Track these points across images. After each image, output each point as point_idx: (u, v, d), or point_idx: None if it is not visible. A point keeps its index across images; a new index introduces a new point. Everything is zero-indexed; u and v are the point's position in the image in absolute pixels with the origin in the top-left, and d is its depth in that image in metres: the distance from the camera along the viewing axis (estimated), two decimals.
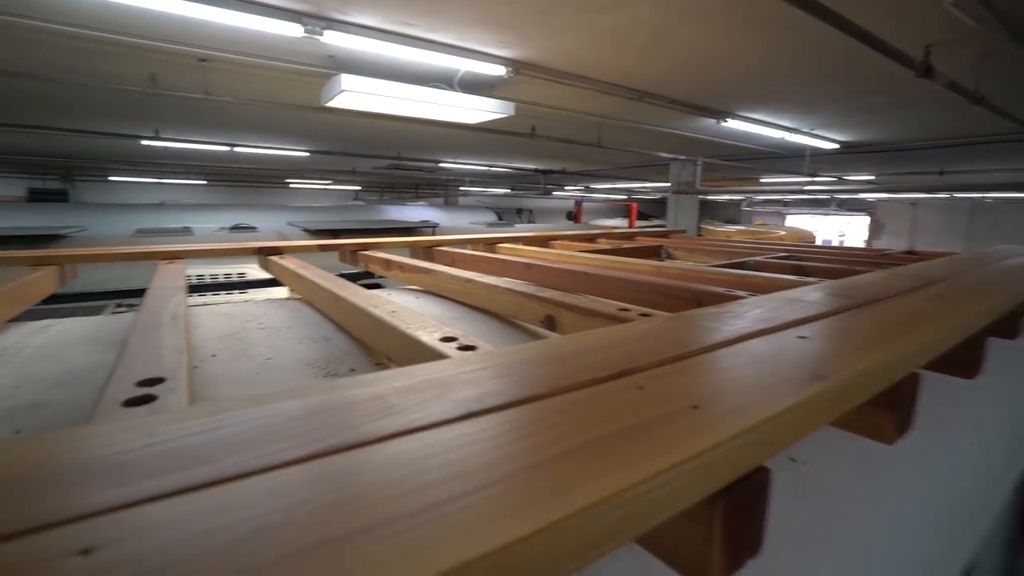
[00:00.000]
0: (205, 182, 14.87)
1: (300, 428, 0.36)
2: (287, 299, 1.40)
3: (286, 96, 5.20)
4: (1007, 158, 7.97)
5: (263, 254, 1.79)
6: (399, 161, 10.19)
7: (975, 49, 3.50)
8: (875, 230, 17.76)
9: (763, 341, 0.62)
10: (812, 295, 0.90)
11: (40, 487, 0.29)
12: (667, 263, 1.86)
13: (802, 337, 0.64)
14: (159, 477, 0.30)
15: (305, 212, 7.47)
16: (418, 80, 4.02)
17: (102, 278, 3.90)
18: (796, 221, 19.61)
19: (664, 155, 8.82)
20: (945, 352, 0.75)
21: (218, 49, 3.76)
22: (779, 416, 0.41)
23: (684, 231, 3.27)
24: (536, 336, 1.13)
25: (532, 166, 12.15)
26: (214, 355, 0.94)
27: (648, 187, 15.00)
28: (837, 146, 7.42)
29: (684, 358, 0.54)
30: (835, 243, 16.69)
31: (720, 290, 1.07)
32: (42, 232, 4.67)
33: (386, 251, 1.87)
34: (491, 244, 2.22)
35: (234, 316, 1.17)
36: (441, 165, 10.63)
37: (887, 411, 0.66)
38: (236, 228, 6.02)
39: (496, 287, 1.16)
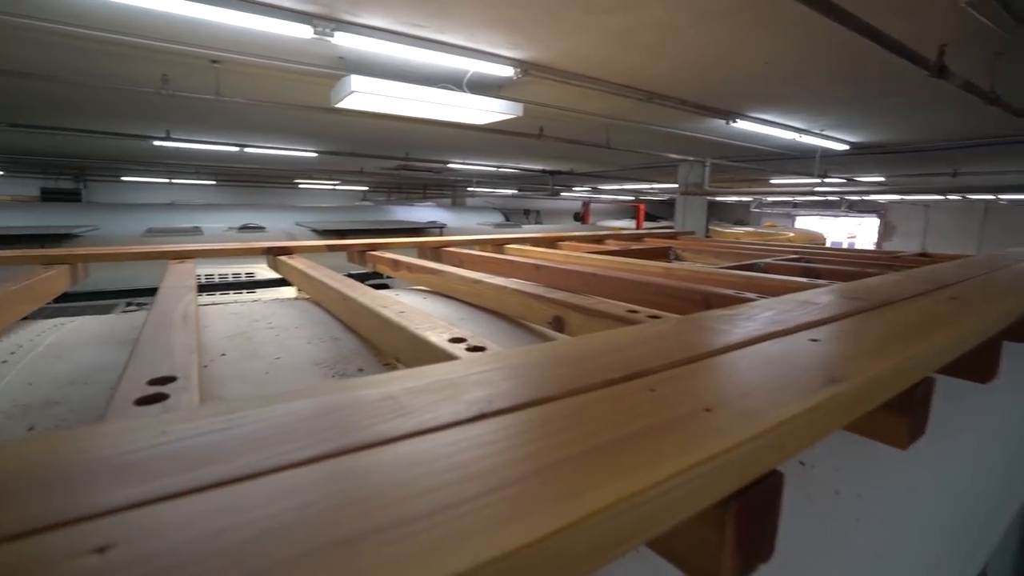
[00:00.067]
0: (214, 182, 14.97)
1: (312, 428, 0.36)
2: (295, 299, 1.41)
3: (295, 97, 5.23)
4: (1022, 159, 7.88)
5: (272, 254, 1.80)
6: (407, 162, 10.22)
7: (990, 48, 3.46)
8: (885, 232, 17.62)
9: (775, 344, 0.61)
10: (823, 297, 0.89)
11: (55, 484, 0.29)
12: (675, 265, 1.86)
13: (814, 340, 0.63)
14: (172, 476, 0.30)
15: (313, 212, 7.51)
16: (427, 81, 4.03)
17: (110, 277, 3.94)
18: (806, 223, 19.48)
19: (672, 156, 8.79)
20: (959, 356, 0.74)
21: (229, 51, 3.78)
22: (793, 420, 0.41)
23: (692, 232, 3.25)
24: (544, 337, 1.12)
25: (540, 167, 12.15)
26: (223, 354, 0.94)
27: (656, 188, 14.96)
28: (848, 147, 7.36)
29: (695, 360, 0.54)
30: (845, 245, 16.56)
31: (730, 292, 1.07)
32: (55, 231, 4.73)
33: (394, 251, 1.88)
34: (499, 245, 2.22)
35: (243, 316, 1.18)
36: (449, 166, 10.65)
37: (901, 415, 0.65)
38: (245, 228, 6.06)
39: (504, 288, 1.16)
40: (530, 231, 7.03)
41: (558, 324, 1.00)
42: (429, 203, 13.94)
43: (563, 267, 1.45)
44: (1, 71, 4.09)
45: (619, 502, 0.29)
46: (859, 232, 18.83)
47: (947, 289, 1.00)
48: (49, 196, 12.43)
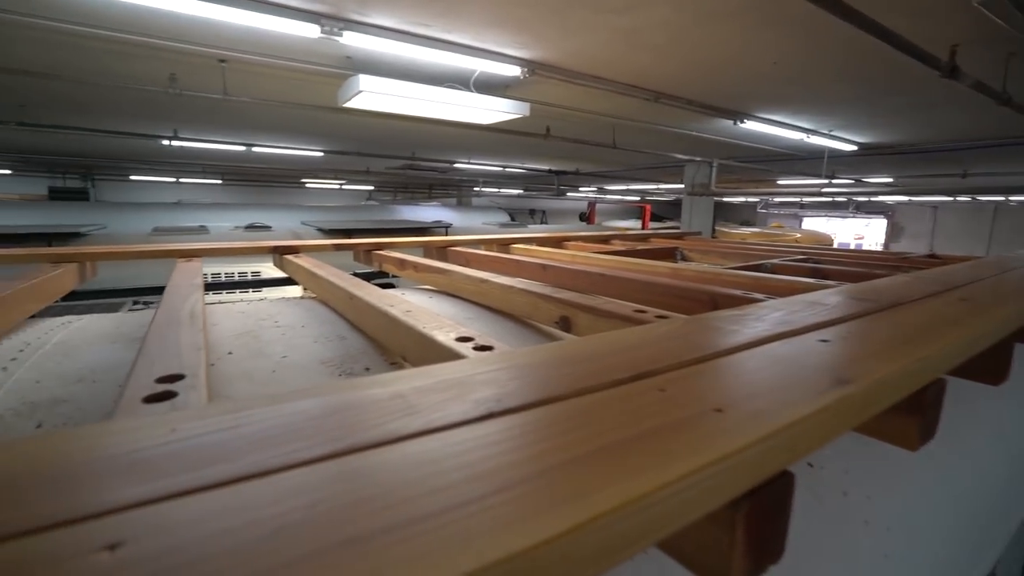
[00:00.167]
0: (220, 181, 15.04)
1: (321, 426, 0.36)
2: (301, 298, 1.41)
3: (302, 96, 5.24)
4: None
5: (279, 253, 1.80)
6: (413, 161, 10.23)
7: (1002, 48, 3.44)
8: (893, 233, 17.52)
9: (784, 344, 0.61)
10: (832, 298, 0.88)
11: (65, 482, 0.29)
12: (682, 265, 1.85)
13: (824, 341, 0.63)
14: (182, 474, 0.30)
15: (319, 212, 7.53)
16: (433, 81, 4.03)
17: (115, 276, 3.96)
18: (813, 223, 19.41)
19: (679, 156, 8.76)
20: (970, 358, 0.73)
21: (237, 50, 3.80)
22: (804, 421, 0.41)
23: (699, 233, 3.24)
24: (551, 337, 1.12)
25: (546, 167, 12.14)
26: (230, 353, 0.95)
27: (662, 188, 14.93)
28: (856, 148, 7.32)
29: (704, 360, 0.54)
30: (852, 246, 16.48)
31: (737, 292, 1.06)
32: (62, 230, 4.76)
33: (400, 251, 1.88)
34: (505, 245, 2.22)
35: (250, 314, 1.18)
36: (455, 166, 10.66)
37: (911, 417, 0.65)
38: (251, 227, 6.08)
39: (511, 287, 1.16)
40: (536, 231, 7.03)
41: (565, 324, 1.00)
42: (435, 203, 13.96)
43: (570, 267, 1.45)
44: (9, 70, 4.13)
45: (628, 503, 0.29)
46: (867, 233, 18.73)
47: (957, 291, 0.99)
48: (57, 195, 12.51)
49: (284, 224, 6.38)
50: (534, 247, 2.17)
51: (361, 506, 0.27)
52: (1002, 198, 12.65)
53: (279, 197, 16.87)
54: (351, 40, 3.23)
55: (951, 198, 13.46)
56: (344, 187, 16.85)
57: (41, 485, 0.29)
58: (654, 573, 0.55)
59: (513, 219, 9.36)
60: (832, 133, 6.69)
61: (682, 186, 10.23)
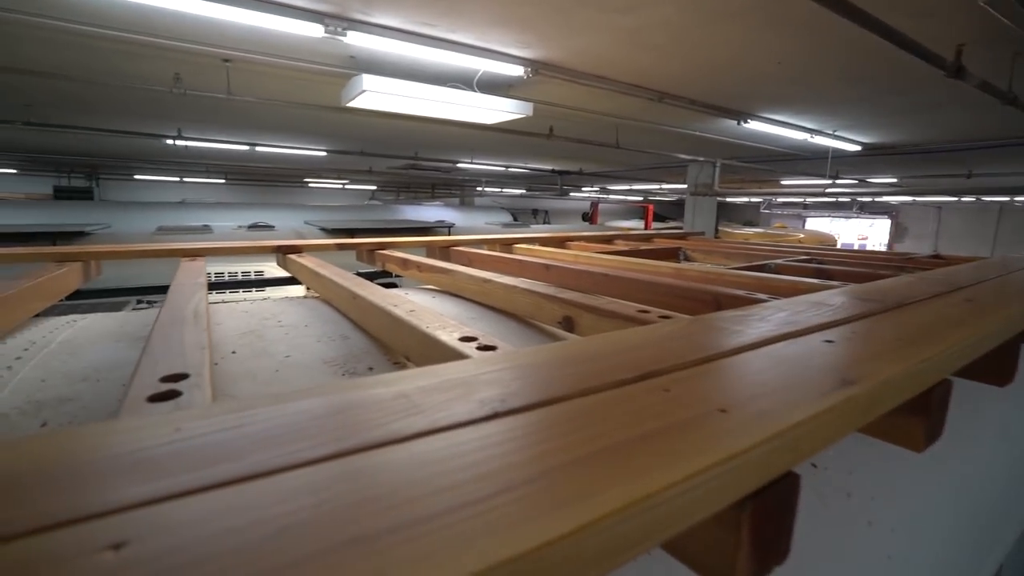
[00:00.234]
0: (224, 181, 15.08)
1: (325, 426, 0.36)
2: (304, 297, 1.41)
3: (306, 96, 5.25)
4: None
5: (282, 252, 1.80)
6: (416, 161, 10.24)
7: (1008, 48, 3.42)
8: (897, 234, 17.47)
9: (789, 345, 0.61)
10: (836, 299, 0.88)
11: (71, 481, 0.29)
12: (686, 265, 1.85)
13: (828, 341, 0.62)
14: (187, 473, 0.30)
15: (322, 211, 7.54)
16: (437, 80, 4.03)
17: (119, 275, 3.97)
18: (816, 224, 19.36)
19: (682, 156, 8.75)
20: (976, 359, 0.73)
21: (241, 49, 3.81)
22: (809, 421, 0.40)
23: (702, 233, 3.24)
24: (554, 337, 1.12)
25: (549, 167, 12.14)
26: (234, 352, 0.95)
27: (665, 189, 14.91)
28: (860, 148, 7.30)
29: (708, 361, 0.53)
30: (856, 246, 16.43)
31: (741, 293, 1.06)
32: (67, 229, 4.77)
33: (403, 250, 1.88)
34: (508, 244, 2.22)
35: (253, 314, 1.18)
36: (458, 165, 10.66)
37: (917, 418, 0.65)
38: (254, 227, 6.09)
39: (514, 287, 1.16)
40: (539, 231, 7.03)
41: (568, 324, 0.99)
42: (437, 202, 13.97)
43: (573, 267, 1.45)
44: (15, 70, 4.14)
45: (632, 504, 0.29)
46: (870, 234, 18.68)
47: (962, 291, 0.99)
48: (62, 194, 12.55)
49: (287, 224, 6.39)
50: (537, 247, 2.17)
51: (366, 506, 0.27)
52: (1007, 198, 12.60)
53: (282, 197, 16.91)
54: (355, 40, 3.23)
55: (955, 198, 13.41)
56: (347, 187, 16.88)
57: (46, 484, 0.29)
58: (659, 574, 0.55)
59: (516, 219, 9.36)
60: (836, 133, 6.67)
61: (685, 186, 10.22)
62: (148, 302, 3.96)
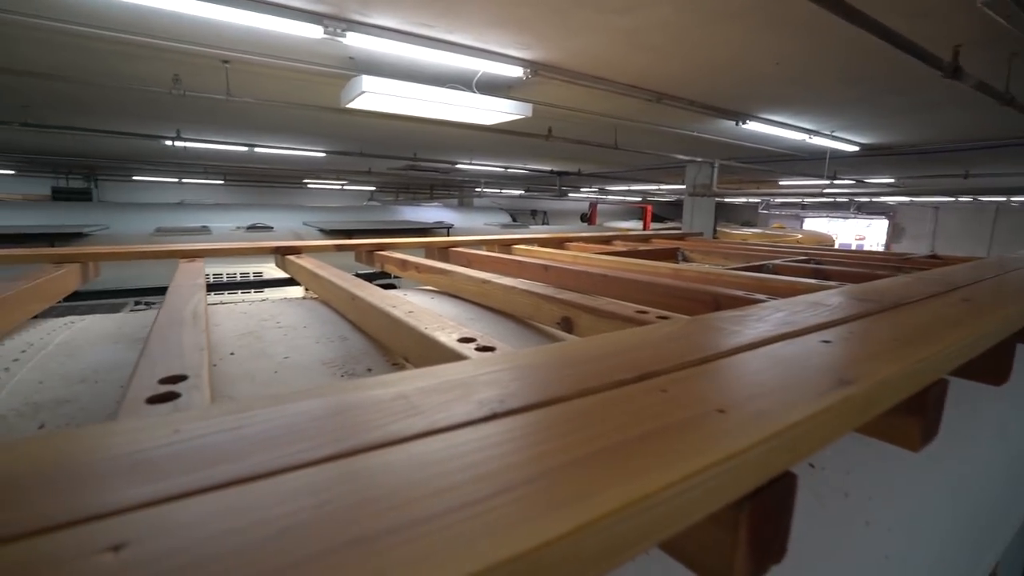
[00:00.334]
0: (223, 182, 15.06)
1: (324, 427, 0.36)
2: (303, 298, 1.41)
3: (305, 97, 5.25)
4: None
5: (281, 253, 1.80)
6: (415, 162, 10.24)
7: (1005, 49, 3.43)
8: (894, 234, 17.50)
9: (786, 345, 0.61)
10: (834, 299, 0.88)
11: (69, 482, 0.29)
12: (684, 266, 1.85)
13: (826, 341, 0.63)
14: (186, 474, 0.30)
15: (321, 212, 7.54)
16: (436, 81, 4.04)
17: (117, 276, 3.97)
18: (814, 224, 19.39)
19: (680, 157, 8.76)
20: (972, 358, 0.73)
21: (240, 50, 3.80)
22: (806, 421, 0.41)
23: (700, 233, 3.24)
24: (553, 338, 1.12)
25: (547, 168, 12.14)
26: (232, 353, 0.95)
27: (663, 189, 14.92)
28: (858, 148, 7.31)
29: (707, 361, 0.54)
30: (853, 247, 16.47)
31: (739, 293, 1.06)
32: (65, 230, 4.77)
33: (402, 251, 1.88)
34: (506, 245, 2.22)
35: (252, 315, 1.18)
36: (457, 166, 10.66)
37: (913, 417, 0.65)
38: (253, 227, 6.09)
39: (512, 288, 1.16)
40: (538, 232, 7.03)
41: (567, 325, 1.00)
42: (436, 203, 13.97)
43: (571, 268, 1.45)
44: (13, 71, 4.14)
45: (630, 504, 0.29)
46: (868, 234, 18.71)
47: (959, 291, 0.99)
48: (60, 195, 12.54)
49: (286, 225, 6.40)
50: (536, 248, 2.17)
51: (366, 507, 0.27)
52: (1004, 198, 12.63)
53: (281, 198, 16.90)
54: (354, 41, 3.23)
55: (952, 199, 13.45)
56: (346, 188, 16.87)
57: (44, 486, 0.29)
58: (657, 573, 0.55)
59: (514, 220, 9.37)
60: (834, 134, 6.68)
61: (683, 187, 10.23)
62: (146, 303, 3.96)
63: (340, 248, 1.98)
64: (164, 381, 0.57)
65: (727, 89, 4.81)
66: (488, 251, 2.00)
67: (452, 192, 18.07)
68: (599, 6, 3.08)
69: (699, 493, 0.32)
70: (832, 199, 13.42)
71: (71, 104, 5.91)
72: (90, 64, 4.35)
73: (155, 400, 0.52)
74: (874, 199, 13.70)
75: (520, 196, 18.03)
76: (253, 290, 4.57)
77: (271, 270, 4.59)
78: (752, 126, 5.84)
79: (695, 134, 6.73)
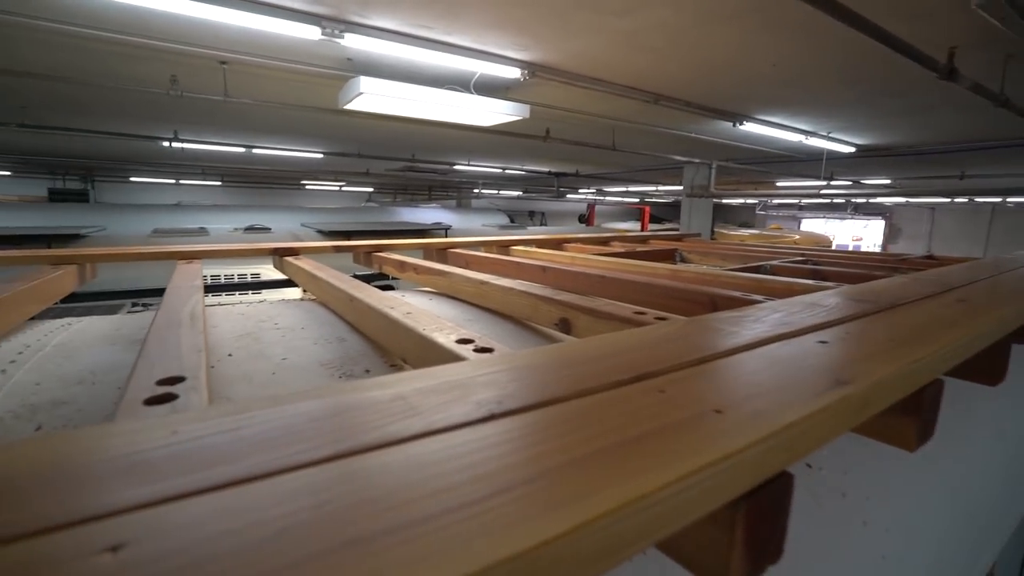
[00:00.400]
0: (220, 183, 15.04)
1: (322, 428, 0.36)
2: (301, 300, 1.41)
3: (303, 98, 5.25)
4: None
5: (279, 255, 1.80)
6: (413, 163, 10.24)
7: (1000, 51, 3.45)
8: (891, 235, 17.55)
9: (783, 346, 0.61)
10: (831, 300, 0.89)
11: (67, 484, 0.29)
12: (682, 267, 1.85)
13: (823, 342, 0.63)
14: (185, 475, 0.30)
15: (318, 214, 7.54)
16: (434, 83, 4.04)
17: (115, 278, 3.96)
18: (811, 225, 19.43)
19: (678, 158, 8.77)
20: (968, 358, 0.73)
21: (238, 51, 3.80)
22: (803, 421, 0.41)
23: (698, 235, 3.25)
24: (551, 339, 1.12)
25: (545, 169, 12.15)
26: (230, 355, 0.95)
27: (661, 190, 14.95)
28: (854, 149, 7.33)
29: (704, 362, 0.54)
30: (850, 248, 16.50)
31: (737, 294, 1.06)
32: (62, 232, 4.76)
33: (400, 253, 1.88)
34: (504, 247, 2.22)
35: (249, 316, 1.18)
36: (455, 167, 10.66)
37: (909, 417, 0.65)
38: (250, 229, 6.08)
39: (510, 289, 1.16)
40: (536, 233, 7.04)
41: (565, 326, 1.00)
42: (434, 204, 13.97)
43: (569, 269, 1.45)
44: (10, 72, 4.13)
45: (627, 504, 0.29)
46: (865, 235, 18.75)
47: (955, 292, 1.00)
48: (57, 196, 12.50)
49: (284, 226, 6.39)
50: (534, 249, 2.18)
51: (363, 507, 0.27)
52: (999, 199, 12.68)
53: (279, 199, 16.88)
54: (352, 42, 3.23)
55: (949, 200, 13.50)
56: (344, 189, 16.85)
57: (42, 487, 0.29)
58: (654, 573, 0.55)
59: (512, 221, 9.38)
60: (831, 135, 6.70)
61: (681, 188, 10.25)
62: (144, 305, 3.95)
63: (338, 249, 1.98)
64: (162, 383, 0.57)
65: (724, 90, 4.83)
66: (486, 252, 2.00)
67: (450, 193, 18.07)
68: (598, 8, 3.09)
69: (696, 493, 0.33)
70: (829, 200, 13.46)
71: (69, 105, 5.89)
72: (88, 65, 4.35)
73: (153, 401, 0.52)
74: (871, 200, 13.74)
75: (518, 197, 18.04)
76: (251, 291, 4.57)
77: (269, 271, 4.58)
78: (749, 127, 5.85)
79: (692, 135, 6.74)
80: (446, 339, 0.73)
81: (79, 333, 1.05)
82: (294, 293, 4.29)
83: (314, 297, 1.40)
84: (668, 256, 2.42)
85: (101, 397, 0.79)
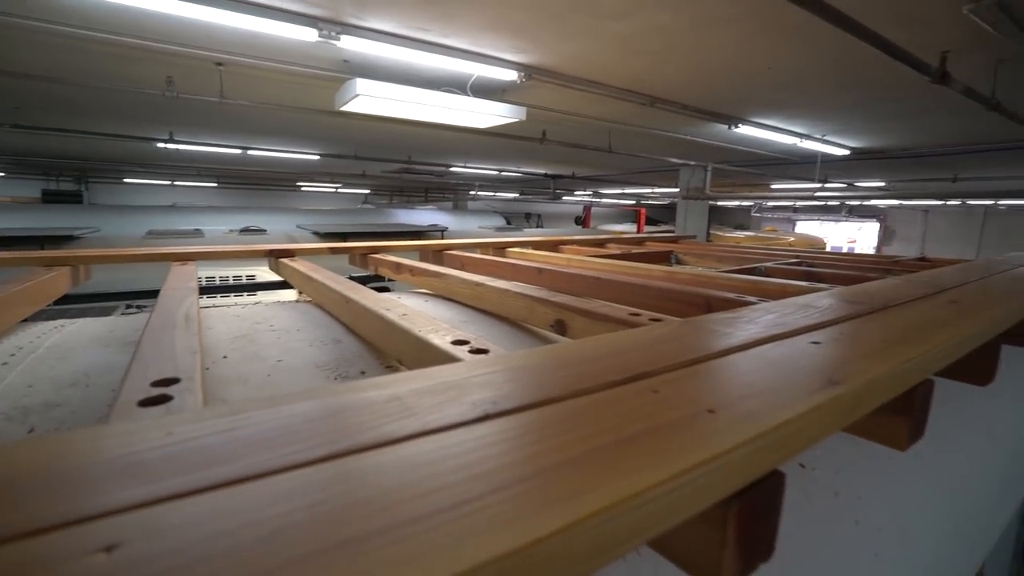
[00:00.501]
0: (216, 184, 14.99)
1: (317, 429, 0.36)
2: (296, 301, 1.41)
3: (299, 99, 5.24)
4: (1022, 165, 7.89)
5: (274, 256, 1.80)
6: (409, 165, 10.23)
7: (992, 55, 3.47)
8: (885, 237, 17.63)
9: (777, 346, 0.61)
10: (824, 301, 0.89)
11: (62, 485, 0.29)
12: (677, 268, 1.86)
13: (815, 343, 0.63)
14: (179, 476, 0.30)
15: (314, 215, 7.53)
16: (431, 85, 4.04)
17: (109, 279, 3.94)
18: (806, 227, 19.51)
19: (674, 160, 8.80)
20: (959, 359, 0.74)
21: (234, 53, 3.79)
22: (795, 421, 0.41)
23: (694, 237, 3.26)
24: (546, 340, 1.13)
25: (542, 171, 12.16)
26: (225, 356, 0.95)
27: (657, 192, 14.98)
28: (848, 152, 7.37)
29: (698, 363, 0.54)
30: (845, 249, 16.57)
31: (731, 295, 1.07)
32: (55, 233, 4.74)
33: (396, 254, 1.88)
34: (500, 248, 2.23)
35: (244, 318, 1.18)
36: (451, 169, 10.66)
37: (900, 417, 0.66)
38: (246, 230, 6.07)
39: (506, 291, 1.16)
40: (532, 235, 7.04)
41: (560, 327, 1.00)
42: (430, 206, 13.96)
43: (565, 270, 1.45)
44: (5, 72, 4.11)
45: (620, 502, 0.29)
46: (859, 237, 18.83)
47: (946, 293, 1.01)
48: (50, 198, 12.44)
49: (279, 227, 6.38)
50: (530, 251, 2.18)
51: (358, 508, 0.27)
52: (991, 202, 12.76)
53: (274, 200, 16.83)
54: (348, 44, 3.23)
55: (942, 202, 13.57)
56: (340, 190, 16.82)
57: (36, 488, 0.29)
58: (647, 572, 0.56)
59: (509, 223, 9.39)
60: (825, 138, 6.74)
61: (677, 190, 10.28)
62: (138, 307, 3.94)
63: (334, 251, 1.98)
64: (156, 384, 0.57)
65: (721, 93, 4.85)
66: (482, 254, 2.00)
67: (446, 195, 18.06)
68: (595, 11, 3.10)
69: (688, 491, 0.33)
70: (823, 202, 13.51)
71: (64, 106, 5.87)
72: (83, 66, 4.33)
73: (147, 403, 0.52)
74: (865, 202, 13.79)
75: (514, 199, 18.05)
76: (246, 293, 4.56)
77: (264, 273, 4.57)
78: (745, 130, 5.88)
79: (688, 138, 6.76)
80: (442, 340, 0.73)
81: (72, 335, 1.05)
82: (289, 295, 4.28)
83: (309, 299, 1.40)
84: (663, 258, 2.43)
85: (95, 399, 0.79)
